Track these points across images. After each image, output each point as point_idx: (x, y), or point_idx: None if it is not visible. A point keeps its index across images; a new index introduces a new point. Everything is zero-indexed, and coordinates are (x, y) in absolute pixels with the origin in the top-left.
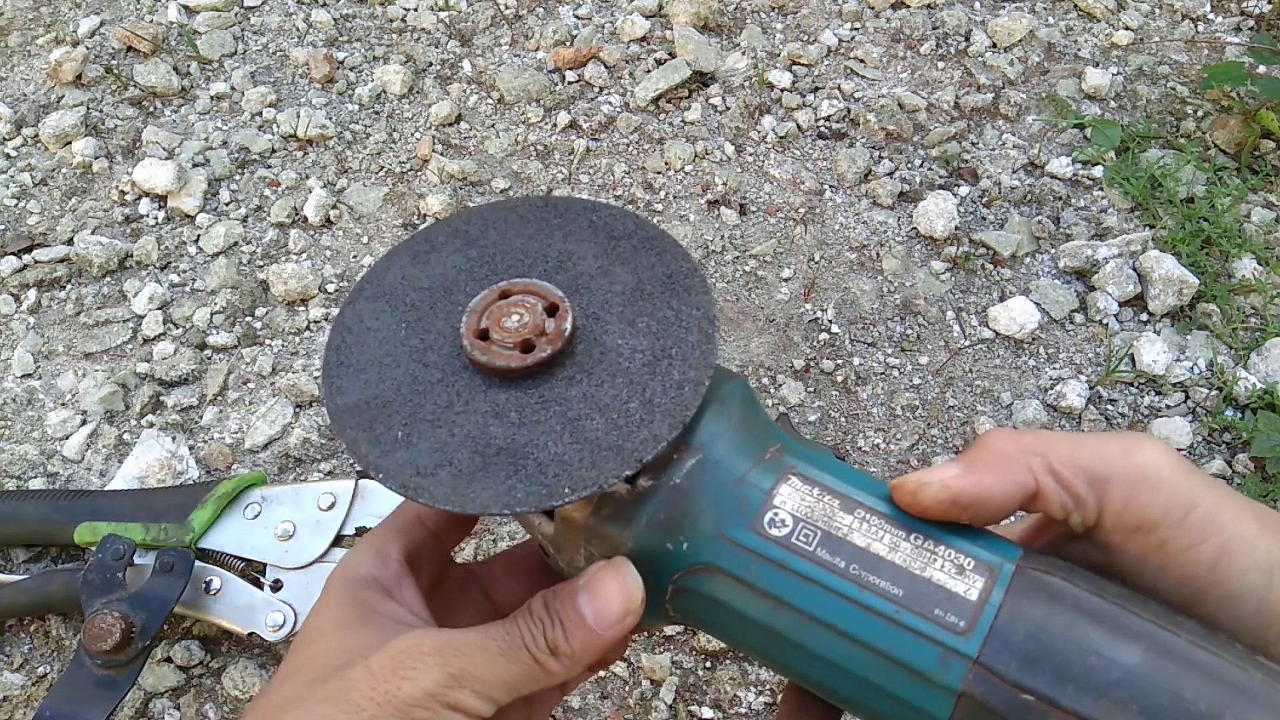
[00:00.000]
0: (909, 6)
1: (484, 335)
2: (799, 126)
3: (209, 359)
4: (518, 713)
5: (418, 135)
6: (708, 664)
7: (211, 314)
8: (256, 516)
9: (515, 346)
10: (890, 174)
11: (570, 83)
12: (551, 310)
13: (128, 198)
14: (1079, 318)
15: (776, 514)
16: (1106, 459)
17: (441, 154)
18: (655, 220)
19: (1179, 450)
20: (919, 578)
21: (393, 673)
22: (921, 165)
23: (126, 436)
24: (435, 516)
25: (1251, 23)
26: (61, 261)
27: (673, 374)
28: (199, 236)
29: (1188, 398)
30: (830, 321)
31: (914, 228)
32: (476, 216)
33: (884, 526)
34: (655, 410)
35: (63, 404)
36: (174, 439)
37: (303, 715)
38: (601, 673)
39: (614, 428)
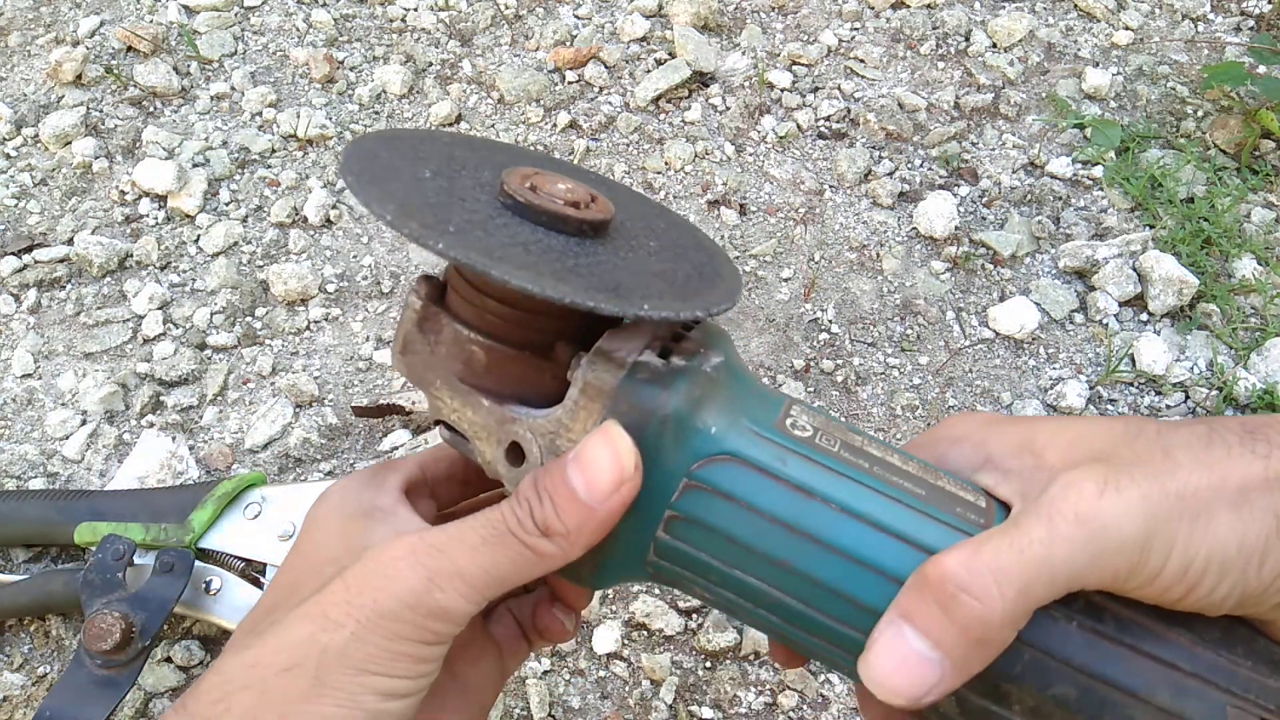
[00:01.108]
0: (909, 6)
1: (531, 190)
2: (799, 126)
3: (209, 359)
4: (489, 665)
5: None
6: (708, 664)
7: (211, 314)
8: (256, 516)
9: (565, 205)
10: (890, 174)
11: (570, 83)
12: (590, 199)
13: (128, 198)
14: (1079, 318)
15: (796, 420)
16: (1087, 558)
17: None
18: None
19: None
20: (933, 485)
21: (367, 584)
22: (921, 165)
23: (126, 436)
24: (438, 465)
25: (1251, 23)
26: (61, 261)
27: (712, 272)
28: (199, 236)
29: (1188, 398)
30: (830, 321)
31: (914, 228)
32: (476, 140)
33: (888, 448)
34: (709, 284)
35: (63, 404)
36: (174, 439)
37: (283, 635)
38: (601, 673)
39: (670, 286)
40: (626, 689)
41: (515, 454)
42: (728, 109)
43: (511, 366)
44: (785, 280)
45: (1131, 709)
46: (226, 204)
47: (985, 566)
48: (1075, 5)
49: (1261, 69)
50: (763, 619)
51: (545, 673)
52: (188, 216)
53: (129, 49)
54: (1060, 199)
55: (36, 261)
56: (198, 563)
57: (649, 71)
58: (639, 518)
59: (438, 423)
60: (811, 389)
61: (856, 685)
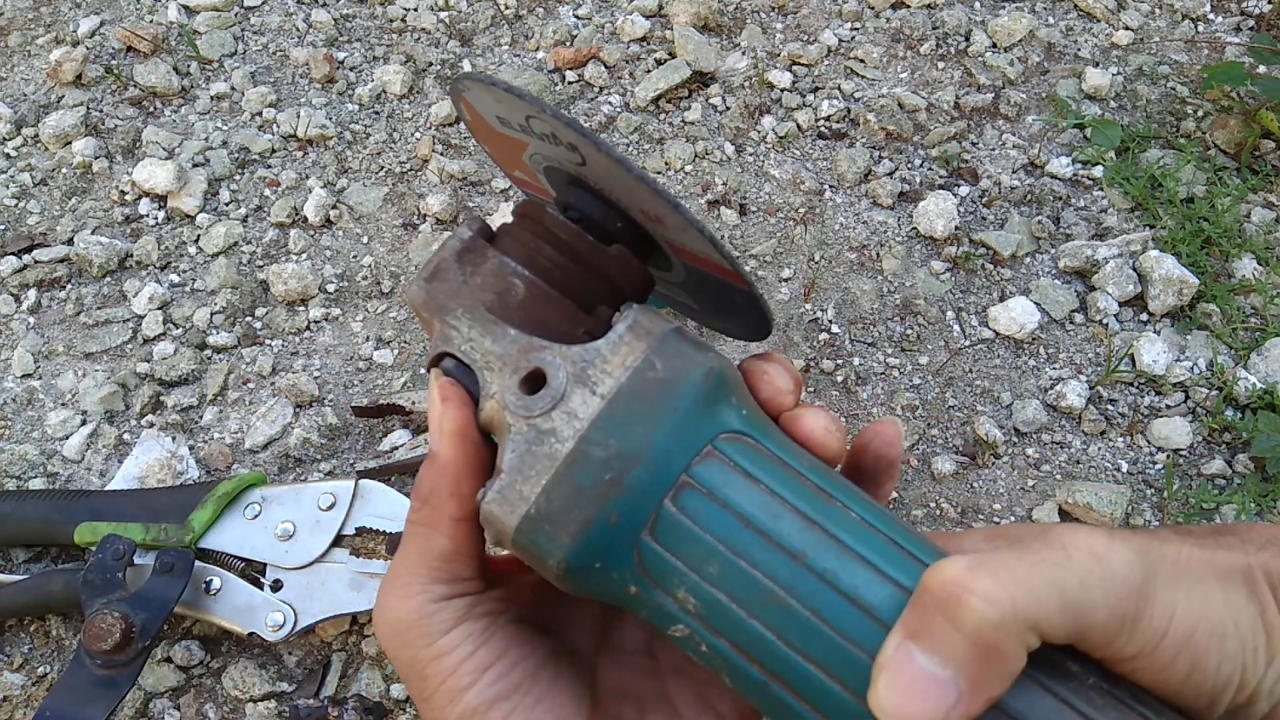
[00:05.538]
0: (909, 6)
1: None
2: (799, 126)
3: (209, 359)
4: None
5: (418, 135)
6: None
7: (211, 314)
8: (256, 516)
9: None
10: (890, 174)
11: (570, 83)
12: None
13: (128, 198)
14: (1079, 318)
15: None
16: (1087, 608)
17: (441, 154)
18: None
19: (1179, 449)
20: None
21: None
22: (921, 165)
23: (126, 436)
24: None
25: (1251, 23)
26: (61, 261)
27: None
28: (199, 236)
29: (1188, 398)
30: (830, 321)
31: (914, 228)
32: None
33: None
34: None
35: (63, 404)
36: (174, 439)
37: None
38: None
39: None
40: None
41: (533, 381)
42: (728, 109)
43: (546, 307)
44: (785, 280)
45: None
46: (226, 204)
47: (990, 570)
48: (1075, 5)
49: (1261, 69)
50: (753, 634)
51: None
52: (188, 216)
53: (129, 49)
54: (1060, 199)
55: (36, 261)
56: (198, 563)
57: (649, 71)
58: (652, 474)
59: (437, 359)
60: (812, 389)
61: None
